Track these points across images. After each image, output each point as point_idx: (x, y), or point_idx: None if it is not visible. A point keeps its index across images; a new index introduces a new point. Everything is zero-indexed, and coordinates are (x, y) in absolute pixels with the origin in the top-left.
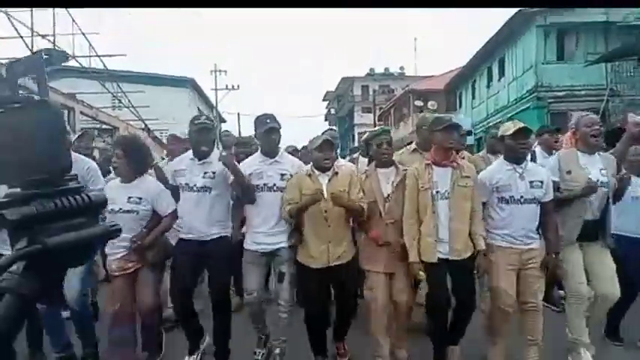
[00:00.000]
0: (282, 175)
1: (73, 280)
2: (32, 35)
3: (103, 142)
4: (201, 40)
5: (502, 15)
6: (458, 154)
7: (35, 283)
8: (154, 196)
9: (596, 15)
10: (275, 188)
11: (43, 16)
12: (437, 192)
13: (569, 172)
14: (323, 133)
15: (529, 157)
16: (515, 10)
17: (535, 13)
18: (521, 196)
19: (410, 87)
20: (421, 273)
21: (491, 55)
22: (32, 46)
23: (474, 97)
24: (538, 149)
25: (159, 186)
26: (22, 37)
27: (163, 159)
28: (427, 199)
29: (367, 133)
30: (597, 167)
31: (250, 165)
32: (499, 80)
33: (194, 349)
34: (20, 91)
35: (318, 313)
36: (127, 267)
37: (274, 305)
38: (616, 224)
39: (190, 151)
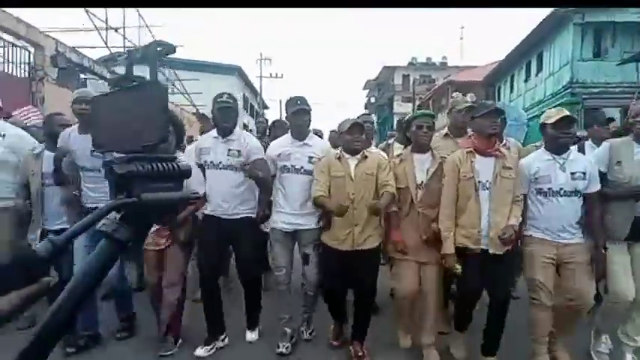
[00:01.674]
0: (310, 157)
1: None
2: (107, 29)
3: None
4: (248, 29)
5: (542, 10)
6: (502, 142)
7: (128, 231)
8: None
9: (633, 15)
10: (302, 171)
11: (115, 11)
12: (478, 182)
13: (618, 163)
14: (358, 118)
15: (575, 148)
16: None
17: (572, 12)
18: (561, 188)
19: (449, 78)
20: (457, 266)
21: (530, 50)
22: (107, 38)
23: (511, 91)
24: (588, 143)
25: (192, 165)
26: (98, 30)
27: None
28: (470, 189)
29: (409, 114)
30: None
31: (280, 146)
32: (537, 75)
33: (210, 341)
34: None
35: (338, 295)
36: (160, 242)
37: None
38: None
39: (214, 130)
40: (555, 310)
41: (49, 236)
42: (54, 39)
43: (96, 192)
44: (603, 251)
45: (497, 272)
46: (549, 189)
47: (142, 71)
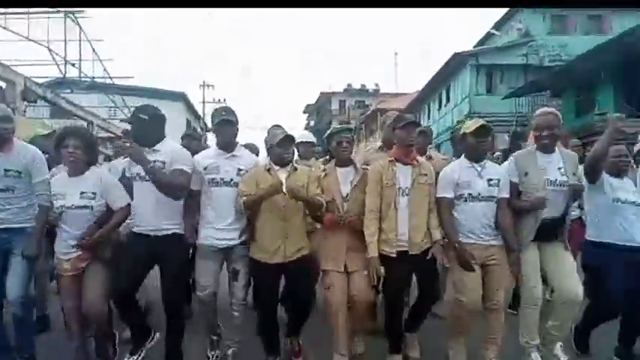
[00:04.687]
0: (240, 170)
1: (13, 282)
2: (65, 63)
3: (112, 148)
4: (191, 57)
5: (450, 50)
6: (423, 154)
7: None
8: (106, 189)
9: (517, 58)
10: (232, 183)
11: (74, 46)
12: (399, 188)
13: (526, 174)
14: (306, 129)
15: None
16: (452, 52)
17: (469, 56)
18: (479, 194)
19: (379, 105)
20: (380, 268)
21: (441, 84)
22: (65, 72)
23: (429, 118)
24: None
25: (111, 178)
26: (57, 64)
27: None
28: (391, 196)
29: (330, 129)
30: (555, 166)
31: (206, 158)
32: (445, 105)
33: (136, 350)
34: None
35: (270, 309)
36: (79, 267)
37: (227, 305)
38: (595, 231)
39: None
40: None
41: None
42: (23, 76)
43: (4, 213)
44: (517, 254)
45: (422, 269)
46: (469, 194)
47: (87, 101)
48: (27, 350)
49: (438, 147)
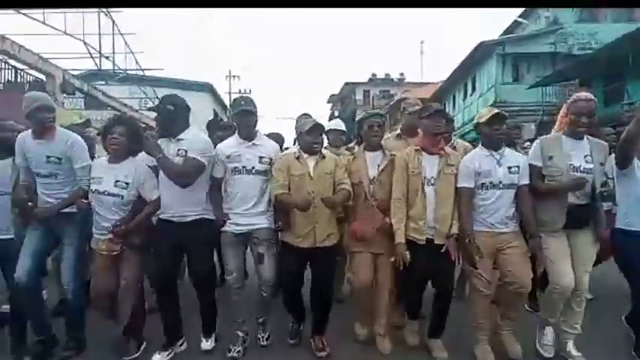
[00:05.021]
0: (261, 157)
1: (65, 270)
2: (100, 56)
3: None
4: (217, 48)
5: (477, 39)
6: (447, 142)
7: None
8: (141, 182)
9: (545, 46)
10: (253, 171)
11: (108, 39)
12: (424, 177)
13: (550, 158)
14: (330, 119)
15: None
16: (478, 41)
17: (495, 45)
18: (500, 182)
19: (403, 95)
20: (406, 254)
21: (466, 73)
22: (100, 65)
23: (454, 108)
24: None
25: (147, 170)
26: (92, 57)
27: None
28: (417, 183)
29: (361, 114)
30: (582, 153)
31: (228, 147)
32: (471, 95)
33: (168, 346)
34: None
35: (295, 292)
36: (114, 249)
37: (255, 287)
38: (625, 219)
39: None
40: (498, 297)
41: None
42: (62, 69)
43: (51, 197)
44: (538, 239)
45: (441, 261)
46: (490, 182)
47: (119, 92)
48: (76, 333)
49: (462, 137)
